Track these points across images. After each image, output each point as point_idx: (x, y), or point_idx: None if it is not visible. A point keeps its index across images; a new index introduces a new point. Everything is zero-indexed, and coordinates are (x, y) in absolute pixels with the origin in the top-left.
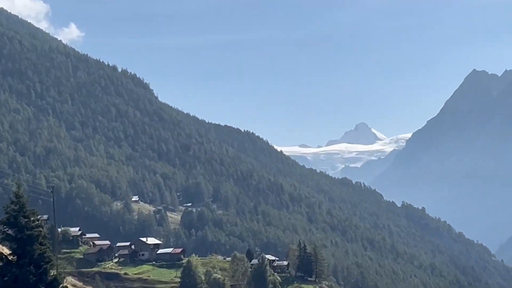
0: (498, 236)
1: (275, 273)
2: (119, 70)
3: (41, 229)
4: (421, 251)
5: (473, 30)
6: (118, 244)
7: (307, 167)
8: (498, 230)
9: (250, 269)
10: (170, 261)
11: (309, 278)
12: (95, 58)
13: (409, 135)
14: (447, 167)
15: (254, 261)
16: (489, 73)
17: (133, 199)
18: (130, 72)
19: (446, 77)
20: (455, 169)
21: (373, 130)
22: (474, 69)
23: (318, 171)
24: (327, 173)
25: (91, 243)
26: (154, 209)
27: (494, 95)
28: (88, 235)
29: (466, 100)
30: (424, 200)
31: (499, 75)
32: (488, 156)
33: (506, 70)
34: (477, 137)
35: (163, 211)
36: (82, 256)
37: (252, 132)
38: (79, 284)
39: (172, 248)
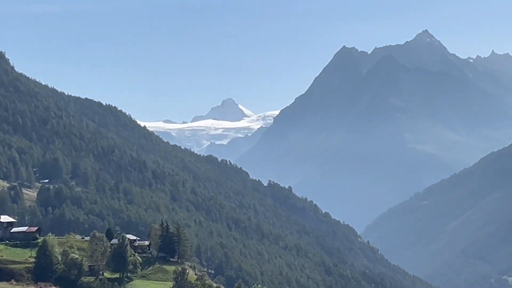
0: (364, 216)
1: (136, 254)
2: None
3: None
4: (287, 232)
5: (344, 6)
6: None
7: (171, 143)
8: (364, 210)
9: (109, 249)
10: (24, 240)
11: (171, 259)
12: None
13: (276, 112)
14: (315, 145)
15: (114, 241)
16: (359, 50)
17: None
18: None
19: (316, 53)
20: (322, 147)
21: (240, 107)
22: (344, 46)
23: (182, 147)
24: (192, 150)
25: None
26: (8, 185)
27: (363, 73)
28: None
29: (335, 78)
30: (291, 179)
31: (369, 53)
32: (357, 135)
33: (376, 48)
34: (346, 115)
35: (18, 187)
36: None
37: (115, 106)
38: None
39: (27, 227)
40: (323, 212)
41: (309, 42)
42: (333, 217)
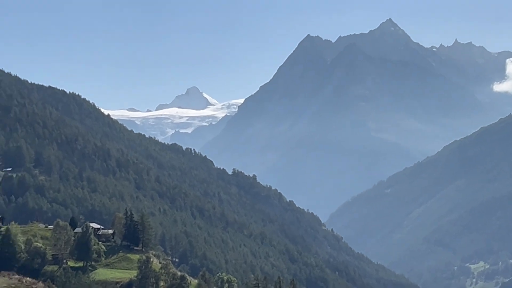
0: (328, 205)
1: (100, 242)
2: None
3: None
4: (251, 220)
5: None
6: None
7: (135, 131)
8: (328, 199)
9: (73, 238)
10: None
11: (135, 248)
12: None
13: (241, 100)
14: (279, 134)
15: (78, 229)
16: (323, 39)
17: None
18: None
19: (280, 42)
20: (287, 136)
21: (205, 95)
22: (308, 35)
23: (147, 136)
24: (156, 138)
25: None
26: None
27: (327, 62)
28: None
29: (299, 66)
30: (255, 167)
31: (333, 41)
32: (320, 124)
33: (340, 37)
34: (310, 104)
35: None
36: None
37: (78, 94)
38: None
39: None
40: (288, 200)
41: (274, 30)
42: (297, 206)
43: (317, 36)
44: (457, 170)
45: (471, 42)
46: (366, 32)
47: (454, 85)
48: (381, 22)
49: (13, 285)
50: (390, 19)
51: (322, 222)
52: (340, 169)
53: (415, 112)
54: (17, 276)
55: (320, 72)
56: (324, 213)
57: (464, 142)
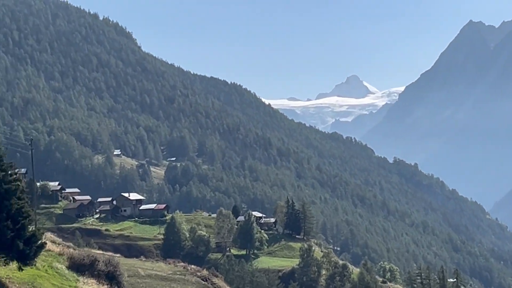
0: (493, 193)
1: (262, 231)
2: (101, 18)
3: (19, 183)
4: (413, 209)
5: None
6: (99, 199)
7: (296, 121)
8: (493, 187)
9: (236, 226)
10: (153, 217)
11: (297, 236)
12: (75, 6)
13: (401, 88)
14: (441, 121)
15: (241, 218)
16: (486, 24)
17: (115, 153)
18: (112, 21)
19: (442, 28)
20: (449, 123)
21: (365, 83)
22: (471, 20)
23: (307, 125)
24: (316, 127)
25: (71, 198)
26: (137, 163)
27: (490, 47)
28: (68, 190)
29: (461, 53)
30: (416, 155)
31: (496, 27)
32: (483, 111)
33: (503, 22)
34: (472, 90)
35: (146, 165)
36: (61, 212)
37: (239, 84)
38: (59, 240)
39: (155, 204)
40: (450, 189)
41: (435, 17)
42: (460, 194)
43: (480, 21)
44: None
45: None
46: None
47: None
48: None
49: (178, 272)
50: None
51: (486, 210)
52: (504, 156)
53: None
54: (182, 263)
55: (482, 58)
56: (488, 201)
57: None
